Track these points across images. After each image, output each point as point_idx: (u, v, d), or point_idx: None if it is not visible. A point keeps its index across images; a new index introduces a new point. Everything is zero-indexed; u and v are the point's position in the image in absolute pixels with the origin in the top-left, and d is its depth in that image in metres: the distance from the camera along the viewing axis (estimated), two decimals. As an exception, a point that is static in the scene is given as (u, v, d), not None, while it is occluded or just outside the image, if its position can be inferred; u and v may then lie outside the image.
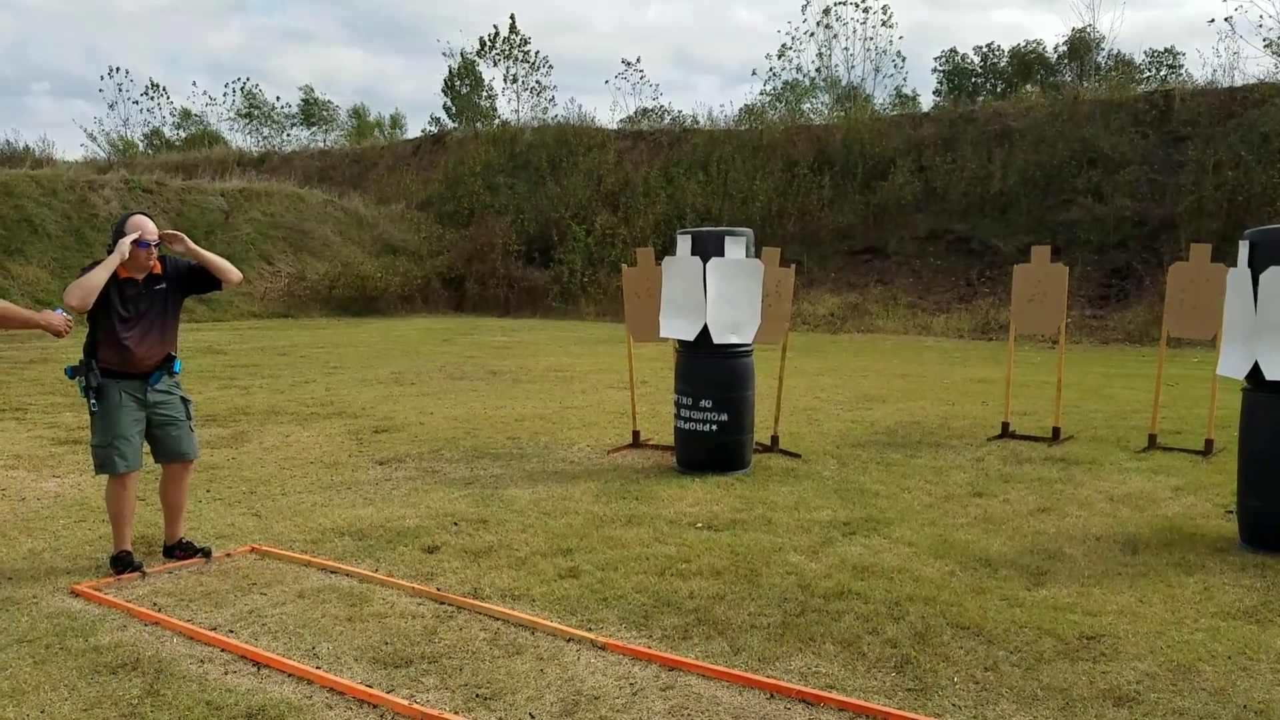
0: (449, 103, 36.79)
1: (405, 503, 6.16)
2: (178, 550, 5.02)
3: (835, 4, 30.82)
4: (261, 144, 40.64)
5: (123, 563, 4.80)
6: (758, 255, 7.30)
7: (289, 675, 3.63)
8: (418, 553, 5.13)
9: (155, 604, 4.40)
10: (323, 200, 27.76)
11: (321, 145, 39.38)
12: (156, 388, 4.80)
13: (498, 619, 4.19)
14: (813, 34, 32.18)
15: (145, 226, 4.71)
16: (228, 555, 5.10)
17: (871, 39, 32.48)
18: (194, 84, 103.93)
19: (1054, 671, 3.66)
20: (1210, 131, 20.05)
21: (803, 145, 25.17)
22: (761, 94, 34.07)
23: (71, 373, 4.75)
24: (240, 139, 41.98)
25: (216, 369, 12.99)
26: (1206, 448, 7.50)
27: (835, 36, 31.23)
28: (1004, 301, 17.73)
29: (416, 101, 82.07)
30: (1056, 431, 8.13)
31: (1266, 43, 24.32)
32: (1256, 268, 5.14)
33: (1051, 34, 51.16)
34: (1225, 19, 37.03)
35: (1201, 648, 3.85)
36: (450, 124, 35.79)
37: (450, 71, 36.63)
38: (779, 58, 32.04)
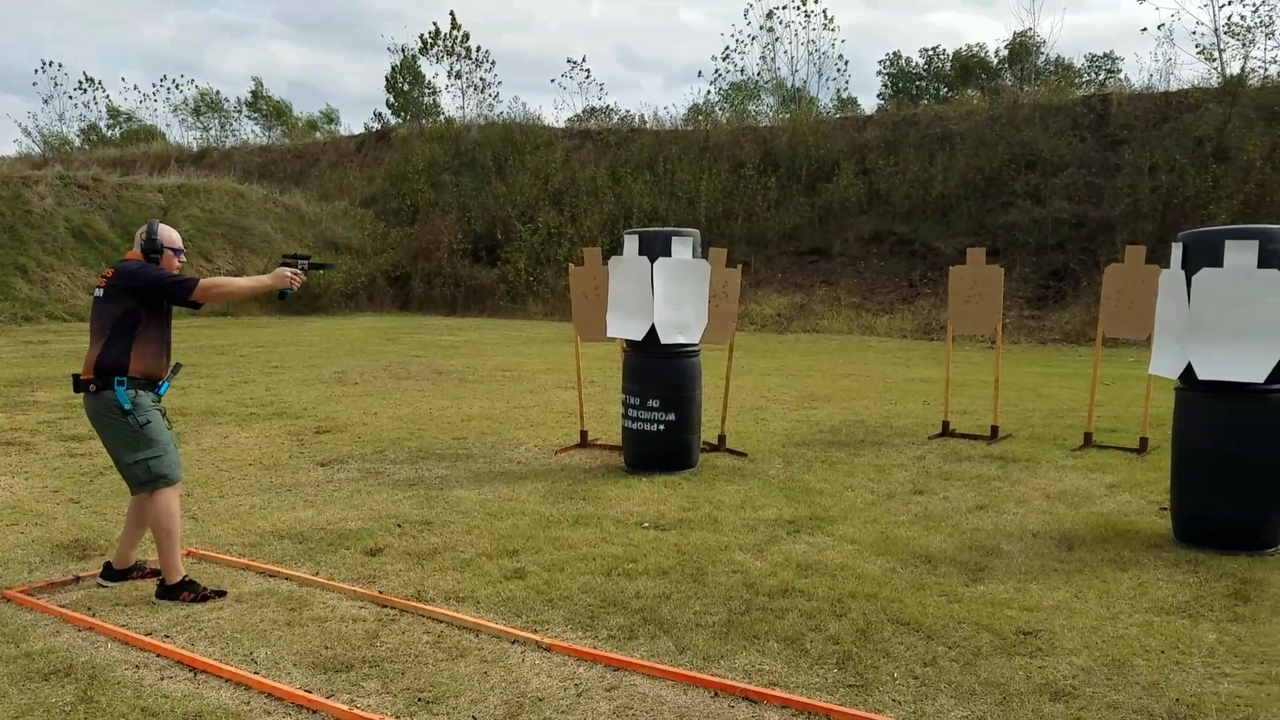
0: (391, 99, 36.38)
1: (347, 505, 6.08)
2: (134, 573, 4.68)
3: (778, 7, 31.06)
4: (202, 139, 39.88)
5: (196, 589, 4.43)
6: (704, 256, 7.32)
7: (226, 681, 3.56)
8: (360, 555, 5.06)
9: (89, 609, 4.29)
10: (263, 196, 27.29)
11: (262, 141, 38.71)
12: (162, 395, 4.57)
13: (441, 621, 4.15)
14: (755, 37, 32.42)
15: (176, 238, 4.58)
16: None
17: (814, 42, 32.72)
18: (123, 79, 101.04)
19: (991, 666, 3.72)
20: (1146, 135, 20.56)
21: (749, 146, 25.33)
22: (708, 95, 34.20)
23: (127, 400, 4.30)
24: (178, 134, 41.18)
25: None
26: (1141, 446, 7.69)
27: (778, 39, 31.47)
28: (945, 302, 18.01)
29: (358, 97, 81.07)
30: (995, 430, 8.27)
31: (1200, 49, 25.00)
32: (1189, 269, 5.28)
33: (993, 38, 52.11)
34: (1159, 26, 38.00)
35: (1135, 642, 3.94)
36: (394, 120, 35.40)
37: (392, 69, 36.25)
38: (724, 60, 32.23)
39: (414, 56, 35.31)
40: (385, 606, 4.33)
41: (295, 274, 4.68)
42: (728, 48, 35.12)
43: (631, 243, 7.09)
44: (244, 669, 3.64)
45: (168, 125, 42.82)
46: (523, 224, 25.15)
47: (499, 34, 72.92)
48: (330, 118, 44.58)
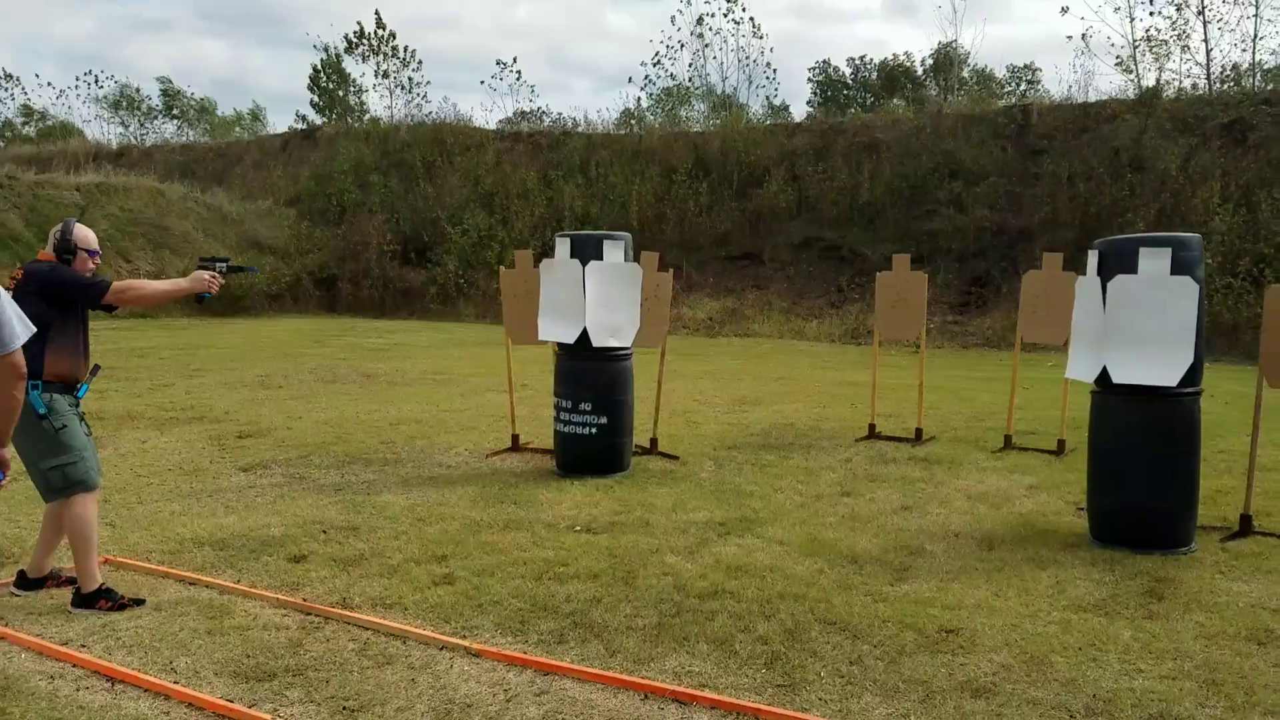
0: (316, 98, 35.74)
1: (270, 511, 5.95)
2: (49, 581, 4.53)
3: (707, 14, 31.30)
4: (121, 137, 38.74)
5: (114, 597, 4.28)
6: (636, 259, 7.34)
7: (145, 691, 3.47)
8: (283, 562, 4.95)
9: (1, 618, 4.14)
10: (184, 195, 26.59)
11: (184, 139, 37.75)
12: (81, 398, 4.41)
13: (367, 629, 4.09)
14: (684, 44, 32.60)
15: (91, 238, 4.42)
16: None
17: (744, 49, 33.05)
18: (36, 75, 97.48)
19: (915, 664, 3.80)
20: (1065, 145, 21.16)
21: (681, 152, 25.45)
22: (639, 100, 34.30)
23: (41, 404, 4.12)
24: (97, 130, 39.95)
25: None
26: (1059, 447, 7.91)
27: (708, 46, 31.71)
28: (871, 307, 18.32)
29: (281, 95, 79.52)
30: (919, 433, 8.44)
31: (1118, 60, 25.84)
32: (1104, 276, 5.45)
33: (919, 48, 53.18)
34: (1081, 36, 39.13)
35: (1054, 639, 4.05)
36: (319, 119, 34.77)
37: (314, 68, 35.63)
38: (655, 65, 32.34)
39: (338, 56, 34.77)
40: (309, 614, 4.25)
41: (214, 277, 4.58)
42: (658, 54, 35.27)
43: (563, 246, 7.07)
44: (163, 679, 3.55)
45: (86, 122, 41.52)
46: (453, 226, 24.91)
47: (426, 33, 72.11)
48: (257, 115, 43.70)
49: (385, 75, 33.69)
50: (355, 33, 33.69)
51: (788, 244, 22.76)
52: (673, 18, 41.11)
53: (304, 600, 4.38)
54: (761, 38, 38.91)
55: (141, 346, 15.75)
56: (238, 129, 40.54)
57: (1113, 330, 5.39)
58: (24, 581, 4.50)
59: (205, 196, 27.20)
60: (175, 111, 41.92)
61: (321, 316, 23.75)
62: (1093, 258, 5.59)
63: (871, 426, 8.63)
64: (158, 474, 6.89)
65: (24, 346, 4.14)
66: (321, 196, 27.63)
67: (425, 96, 35.19)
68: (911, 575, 4.88)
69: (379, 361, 14.22)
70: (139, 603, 4.31)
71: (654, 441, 7.82)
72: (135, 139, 38.07)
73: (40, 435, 4.17)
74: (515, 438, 7.97)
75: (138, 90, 42.31)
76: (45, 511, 4.46)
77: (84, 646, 3.87)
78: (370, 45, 33.54)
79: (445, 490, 6.53)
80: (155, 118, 41.72)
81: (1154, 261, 5.28)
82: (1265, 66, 23.89)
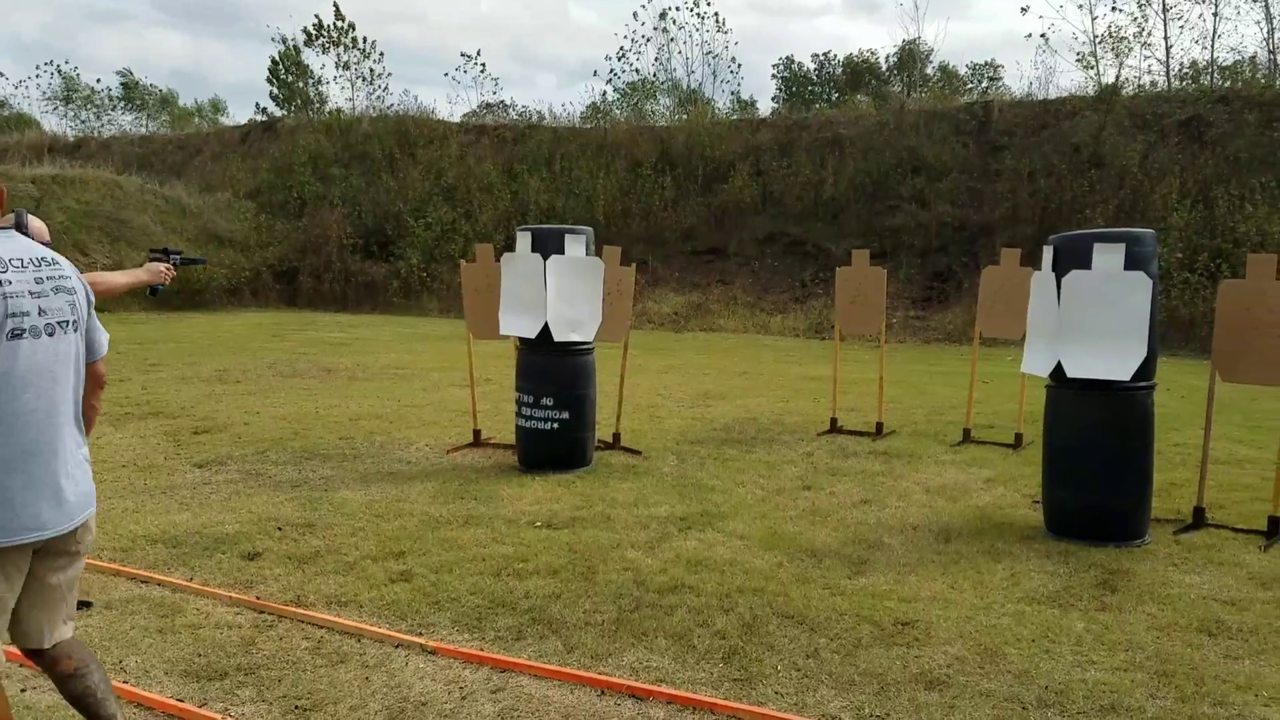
0: (275, 91, 35.28)
1: (225, 508, 5.87)
2: None
3: (671, 9, 31.26)
4: (78, 128, 37.99)
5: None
6: (599, 254, 7.32)
7: (89, 694, 3.39)
8: (236, 560, 4.89)
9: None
10: (141, 187, 26.17)
11: (142, 131, 37.11)
12: None
13: (321, 627, 4.04)
14: (649, 39, 32.54)
15: (44, 231, 4.31)
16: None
17: (708, 44, 33.02)
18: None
19: (870, 657, 3.82)
20: (1026, 142, 21.37)
21: (646, 146, 25.42)
22: (605, 94, 34.19)
23: None
24: (54, 123, 39.13)
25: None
26: (1016, 441, 8.00)
27: (673, 40, 31.67)
28: (834, 302, 18.43)
29: (240, 87, 78.48)
30: (880, 427, 8.50)
31: (1079, 57, 26.11)
32: (1059, 271, 5.51)
33: (882, 45, 53.49)
34: (1042, 34, 39.55)
35: (1008, 631, 4.09)
36: (279, 111, 34.32)
37: (273, 60, 35.16)
38: (620, 60, 32.25)
39: (296, 48, 34.34)
40: (262, 612, 4.19)
41: (167, 269, 4.51)
42: (623, 48, 35.16)
43: (524, 239, 7.03)
44: (113, 678, 3.47)
45: (43, 114, 40.66)
46: (416, 219, 24.70)
47: (387, 25, 71.25)
48: (218, 107, 43.04)
49: (346, 67, 33.30)
50: (315, 24, 33.31)
51: (752, 239, 22.82)
52: (635, 13, 40.96)
53: (257, 598, 4.33)
54: (726, 32, 38.94)
55: (97, 341, 15.46)
56: (197, 119, 39.90)
57: (1067, 325, 5.45)
58: None
59: (163, 189, 26.77)
60: (137, 102, 41.16)
61: (282, 310, 23.47)
62: (1048, 253, 5.64)
63: (833, 420, 8.67)
64: (111, 470, 6.78)
65: None
66: (282, 189, 27.27)
67: (387, 89, 34.74)
68: (869, 568, 4.91)
69: (339, 356, 14.08)
70: (86, 605, 4.23)
71: (616, 436, 7.80)
72: (93, 131, 37.35)
73: None
74: (477, 433, 7.93)
75: (97, 80, 41.58)
76: None
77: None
78: (330, 37, 33.15)
79: (404, 486, 6.47)
80: (114, 108, 40.96)
81: (1108, 257, 5.34)
82: (1223, 64, 24.28)
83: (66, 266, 2.76)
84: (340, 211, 25.55)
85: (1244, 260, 5.69)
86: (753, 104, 33.53)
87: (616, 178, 24.39)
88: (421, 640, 3.88)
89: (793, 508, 6.06)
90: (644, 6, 31.59)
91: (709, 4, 38.02)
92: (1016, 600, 4.48)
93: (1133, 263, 5.31)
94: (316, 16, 33.82)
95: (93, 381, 2.91)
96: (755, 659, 3.78)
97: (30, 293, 2.57)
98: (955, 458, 7.61)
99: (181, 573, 4.69)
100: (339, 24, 33.08)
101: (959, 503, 6.26)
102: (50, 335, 2.62)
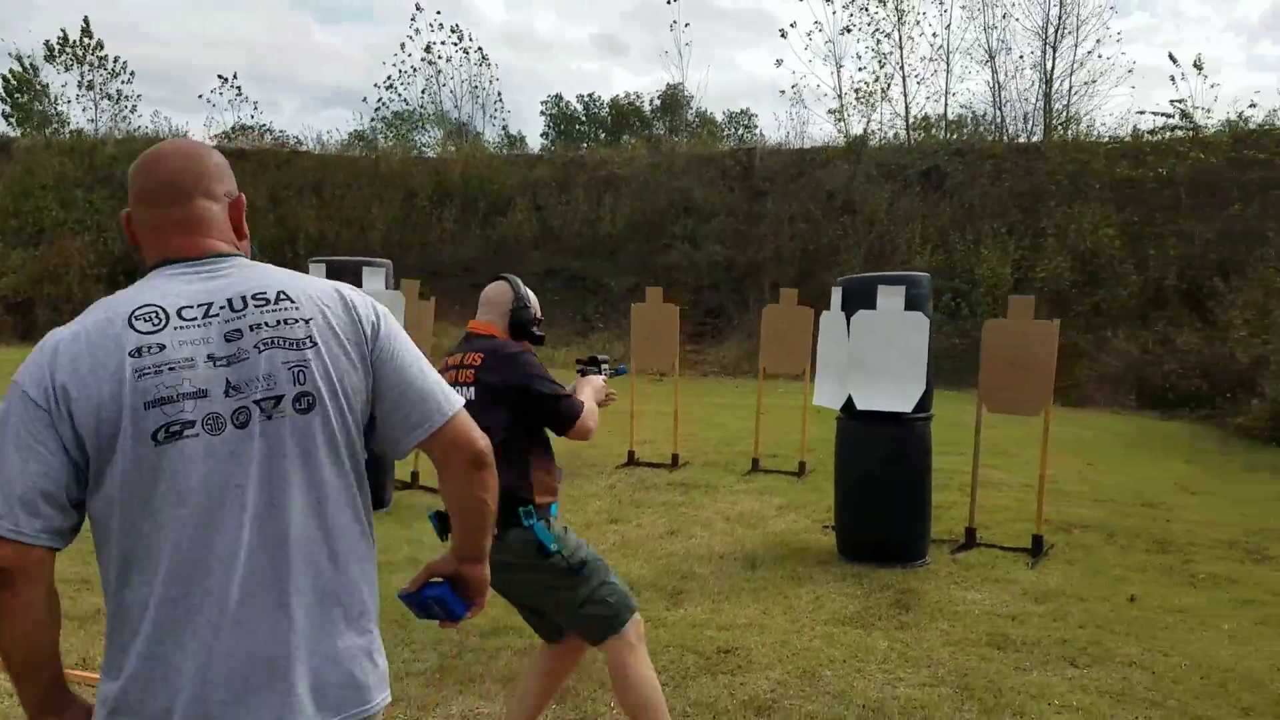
0: (8, 109, 32.07)
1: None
2: None
3: (435, 42, 31.03)
4: None
5: None
6: (396, 287, 7.13)
7: None
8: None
9: None
10: None
11: None
12: None
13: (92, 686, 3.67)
14: (416, 69, 32.08)
15: None
16: None
17: (473, 79, 32.89)
18: None
19: (699, 687, 3.91)
20: (785, 188, 22.73)
21: (420, 177, 25.03)
22: (371, 121, 33.16)
23: (551, 540, 3.18)
24: None
25: None
26: (800, 469, 8.45)
27: (440, 73, 31.35)
28: (618, 336, 18.81)
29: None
30: (675, 458, 8.74)
31: (830, 110, 28.05)
32: (848, 311, 5.90)
33: (645, 88, 55.23)
34: (792, 87, 42.30)
35: (821, 653, 4.30)
36: (12, 132, 31.17)
37: (5, 78, 31.98)
38: (388, 89, 31.53)
39: (34, 66, 31.41)
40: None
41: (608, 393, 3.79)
42: (390, 77, 34.42)
43: (318, 272, 6.74)
44: None
45: None
46: (169, 247, 23.09)
47: (126, 43, 66.23)
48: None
49: (90, 86, 30.74)
50: (60, 38, 30.59)
51: (532, 273, 22.86)
52: (402, 44, 40.33)
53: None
54: (491, 67, 38.99)
55: None
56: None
57: (855, 361, 5.85)
58: None
59: None
60: None
61: (15, 347, 21.18)
62: (837, 294, 6.04)
63: (631, 453, 8.83)
64: None
65: None
66: (16, 215, 24.76)
67: (135, 109, 32.24)
68: (685, 599, 5.03)
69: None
70: None
71: (415, 475, 7.60)
72: None
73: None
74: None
75: None
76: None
77: None
78: (74, 54, 30.55)
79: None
80: None
81: (890, 299, 5.78)
82: (952, 118, 26.76)
83: (317, 295, 1.68)
84: (84, 238, 23.50)
85: (980, 299, 6.32)
86: (522, 139, 33.73)
87: (392, 207, 23.85)
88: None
89: (604, 541, 6.12)
90: (411, 38, 31.03)
91: (471, 39, 38.08)
92: (824, 622, 4.73)
93: (912, 304, 5.77)
94: (62, 30, 30.97)
95: (460, 456, 1.74)
96: (589, 697, 3.78)
97: (208, 358, 1.56)
98: (748, 486, 7.94)
99: None
100: (85, 40, 30.56)
101: (758, 529, 6.53)
102: (241, 426, 1.55)
